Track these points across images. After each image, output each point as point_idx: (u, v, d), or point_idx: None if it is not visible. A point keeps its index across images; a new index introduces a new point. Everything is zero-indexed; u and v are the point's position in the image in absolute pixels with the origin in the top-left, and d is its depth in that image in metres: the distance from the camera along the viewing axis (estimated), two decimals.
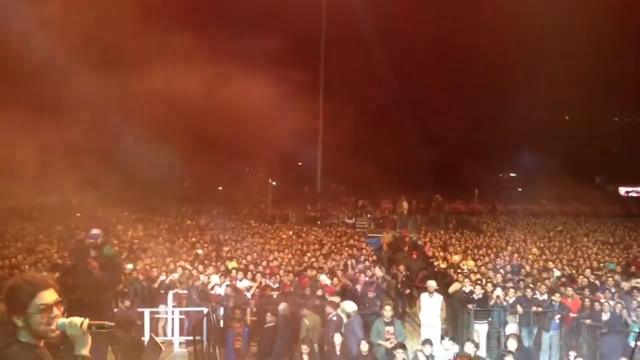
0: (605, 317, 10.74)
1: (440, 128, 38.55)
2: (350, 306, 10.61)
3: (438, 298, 11.37)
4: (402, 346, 9.13)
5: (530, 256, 17.49)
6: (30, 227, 21.23)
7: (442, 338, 9.79)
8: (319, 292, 11.73)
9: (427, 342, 9.28)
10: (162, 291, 12.21)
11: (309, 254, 16.84)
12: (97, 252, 6.13)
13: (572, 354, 8.78)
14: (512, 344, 9.14)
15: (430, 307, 11.26)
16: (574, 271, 15.08)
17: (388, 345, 9.71)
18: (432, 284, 11.59)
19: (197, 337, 10.16)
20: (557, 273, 14.63)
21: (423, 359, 8.91)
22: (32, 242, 18.16)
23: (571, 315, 11.19)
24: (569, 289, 11.95)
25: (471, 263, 15.45)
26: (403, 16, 32.50)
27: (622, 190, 43.26)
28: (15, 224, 21.76)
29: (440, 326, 11.40)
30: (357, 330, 10.25)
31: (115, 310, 9.37)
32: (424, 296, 11.50)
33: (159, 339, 10.25)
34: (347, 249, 18.42)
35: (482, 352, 9.04)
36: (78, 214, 25.26)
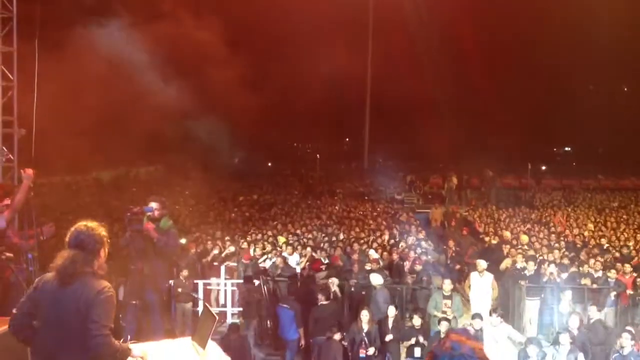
0: None
1: (491, 101, 37.60)
2: (376, 279, 10.68)
3: (488, 277, 11.12)
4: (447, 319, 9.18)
5: (586, 232, 17.02)
6: (87, 201, 21.96)
7: (490, 314, 9.62)
8: (368, 267, 11.78)
9: (477, 316, 9.23)
10: (215, 263, 12.54)
11: (357, 229, 16.89)
12: (155, 225, 6.32)
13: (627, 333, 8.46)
14: (574, 322, 8.92)
15: (481, 286, 11.08)
16: (631, 247, 14.61)
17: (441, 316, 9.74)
18: (482, 263, 11.24)
19: None
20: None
21: (472, 333, 8.87)
22: (90, 216, 18.77)
23: (628, 292, 10.88)
24: (627, 265, 11.59)
25: (525, 238, 15.09)
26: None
27: None
28: (73, 197, 22.53)
29: (490, 304, 11.29)
30: (380, 301, 10.33)
31: (171, 281, 9.71)
32: (474, 275, 11.27)
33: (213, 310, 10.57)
34: (395, 224, 18.38)
35: (534, 329, 8.83)
36: (134, 189, 26.06)
